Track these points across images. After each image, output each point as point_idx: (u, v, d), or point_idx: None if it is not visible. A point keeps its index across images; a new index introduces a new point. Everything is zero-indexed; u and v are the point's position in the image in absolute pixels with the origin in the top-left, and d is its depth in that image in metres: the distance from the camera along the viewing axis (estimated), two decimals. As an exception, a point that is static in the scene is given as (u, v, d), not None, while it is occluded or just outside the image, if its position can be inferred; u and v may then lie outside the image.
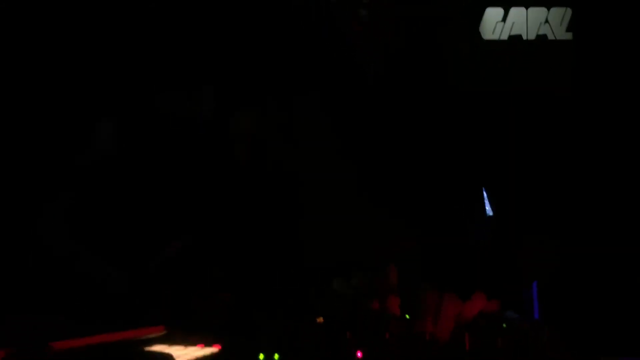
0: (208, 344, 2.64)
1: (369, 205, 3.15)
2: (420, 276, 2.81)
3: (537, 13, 3.43)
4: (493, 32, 3.44)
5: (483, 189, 3.33)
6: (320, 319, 2.61)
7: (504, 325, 2.53)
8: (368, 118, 3.36)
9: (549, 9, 3.42)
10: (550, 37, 3.42)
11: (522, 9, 3.44)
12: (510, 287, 3.06)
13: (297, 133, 3.28)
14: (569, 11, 3.39)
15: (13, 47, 3.23)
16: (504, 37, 3.44)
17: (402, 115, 3.39)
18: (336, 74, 3.38)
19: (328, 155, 3.25)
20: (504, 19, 3.44)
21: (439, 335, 2.51)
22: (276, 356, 2.43)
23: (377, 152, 3.31)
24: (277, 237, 3.11)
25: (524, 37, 3.44)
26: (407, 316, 2.61)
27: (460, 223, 3.28)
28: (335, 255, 2.95)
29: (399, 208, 3.20)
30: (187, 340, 2.64)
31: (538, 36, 3.42)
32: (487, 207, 3.29)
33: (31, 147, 3.22)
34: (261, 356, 2.44)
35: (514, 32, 3.44)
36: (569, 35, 3.38)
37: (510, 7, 3.43)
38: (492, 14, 3.44)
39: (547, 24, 3.42)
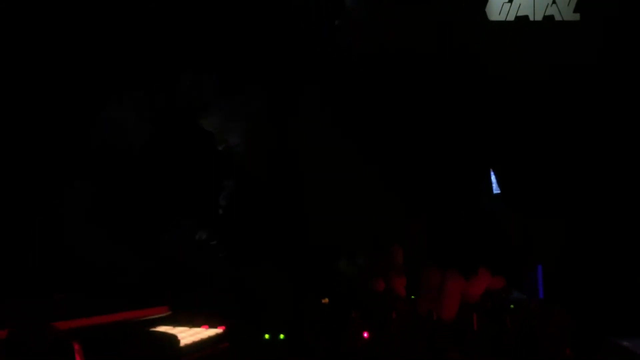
0: (213, 325, 2.62)
1: (375, 188, 3.13)
2: (426, 256, 2.78)
3: (545, -6, 3.38)
4: (499, 13, 3.40)
5: (491, 170, 3.31)
6: (326, 300, 2.60)
7: (512, 305, 2.51)
8: (373, 102, 3.34)
9: (556, -10, 3.36)
10: (558, 18, 3.37)
11: (530, -10, 3.38)
12: (515, 267, 3.03)
13: (304, 118, 3.26)
14: (577, -9, 3.34)
15: (27, 45, 3.22)
16: (511, 18, 3.40)
17: (409, 99, 3.36)
18: (338, 69, 3.36)
19: (336, 140, 3.23)
20: (511, 0, 3.39)
21: (443, 313, 2.49)
22: (281, 336, 2.41)
23: (385, 137, 3.29)
24: (284, 217, 3.09)
25: (531, 18, 3.39)
26: (413, 297, 2.59)
27: (466, 204, 3.26)
28: (341, 236, 2.93)
29: (405, 189, 3.17)
30: (191, 321, 2.63)
31: (545, 17, 3.38)
32: (495, 188, 3.27)
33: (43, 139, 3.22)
34: (266, 336, 2.42)
35: (520, 13, 3.40)
36: (576, 16, 3.34)
37: (517, -12, 3.38)
38: (499, -5, 3.40)
39: (554, 5, 3.37)
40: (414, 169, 3.26)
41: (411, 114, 3.38)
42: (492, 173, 3.32)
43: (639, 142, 3.39)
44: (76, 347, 2.18)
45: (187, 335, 2.58)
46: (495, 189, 3.26)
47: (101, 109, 3.32)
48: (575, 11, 3.36)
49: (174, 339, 2.41)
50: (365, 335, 2.38)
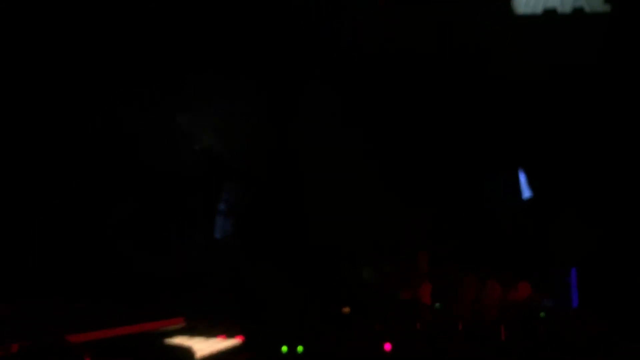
0: (230, 335, 2.56)
1: (398, 193, 3.06)
2: (454, 262, 2.71)
3: (573, -15, 3.29)
4: (526, 5, 3.31)
5: (520, 171, 3.22)
6: (347, 309, 2.52)
7: (542, 314, 2.42)
8: (375, 102, 3.28)
9: (585, -19, 3.28)
10: (587, 9, 3.27)
11: (557, -18, 3.30)
12: (543, 269, 2.94)
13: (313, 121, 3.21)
14: (608, -18, 3.25)
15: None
16: (538, 10, 3.31)
17: (411, 98, 3.29)
18: (338, 69, 3.31)
19: (351, 145, 3.17)
20: (537, -8, 3.31)
21: (479, 320, 2.41)
22: (300, 348, 2.34)
23: (391, 137, 3.23)
24: (301, 224, 3.03)
25: (559, 11, 3.30)
26: (438, 305, 2.51)
27: (492, 207, 3.17)
28: (363, 242, 2.86)
29: (428, 195, 3.10)
30: (209, 331, 2.56)
31: (574, 9, 3.28)
32: (525, 189, 3.18)
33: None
34: (284, 348, 2.35)
35: (548, 6, 3.31)
36: (607, 8, 3.23)
37: (544, -20, 3.29)
38: (526, -13, 3.32)
39: (583, -5, 3.29)
40: (423, 169, 3.19)
41: (414, 114, 3.30)
42: (521, 174, 3.23)
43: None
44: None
45: (204, 346, 2.51)
46: (525, 192, 3.17)
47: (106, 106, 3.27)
48: (605, 2, 3.27)
49: (189, 351, 2.35)
50: (387, 347, 2.29)
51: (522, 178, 3.20)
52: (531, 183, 3.17)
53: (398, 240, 2.73)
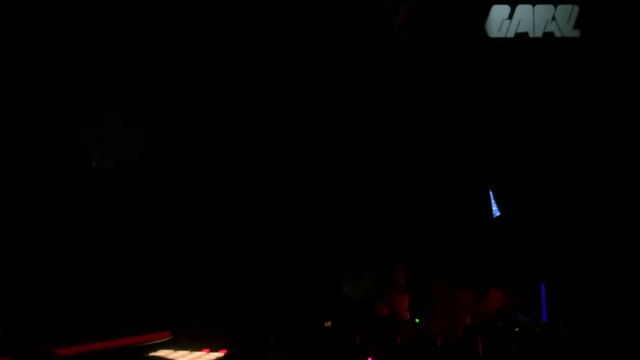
0: (214, 348, 2.60)
1: (383, 200, 3.09)
2: (432, 274, 2.75)
3: (544, 10, 3.38)
4: (499, 30, 3.39)
5: (490, 190, 3.29)
6: (329, 323, 2.57)
7: (517, 329, 2.48)
8: (375, 103, 3.31)
9: (555, 6, 3.38)
10: (557, 34, 3.37)
11: (529, 6, 3.39)
12: (525, 283, 2.99)
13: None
14: (577, 8, 3.34)
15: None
16: (511, 34, 3.39)
17: (410, 101, 3.34)
18: (340, 69, 3.33)
19: (347, 148, 3.19)
20: (511, 17, 3.39)
21: (451, 332, 2.45)
22: (286, 361, 2.39)
23: (395, 147, 3.26)
24: (285, 233, 3.06)
25: (531, 35, 3.39)
26: (417, 320, 2.57)
27: (474, 218, 3.22)
28: (345, 252, 2.90)
29: (412, 203, 3.13)
30: (192, 345, 2.60)
31: (545, 34, 3.38)
32: (495, 208, 3.25)
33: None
34: (270, 361, 2.40)
35: (520, 30, 3.39)
36: (576, 33, 3.33)
37: (516, 5, 3.38)
38: (499, 12, 3.40)
39: (554, 21, 3.38)
40: (417, 174, 3.23)
41: (414, 116, 3.35)
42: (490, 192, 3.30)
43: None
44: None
45: (187, 359, 2.55)
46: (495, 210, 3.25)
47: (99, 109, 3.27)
48: (575, 27, 3.37)
49: (171, 364, 2.39)
50: (369, 361, 2.35)
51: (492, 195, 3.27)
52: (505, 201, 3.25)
53: (378, 256, 2.78)
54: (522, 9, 3.38)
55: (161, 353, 2.53)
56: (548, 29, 3.37)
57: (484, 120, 3.31)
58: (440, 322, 2.51)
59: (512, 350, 2.38)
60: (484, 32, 3.39)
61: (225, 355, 2.56)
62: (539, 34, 3.37)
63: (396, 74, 3.28)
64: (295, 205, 3.09)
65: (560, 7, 3.36)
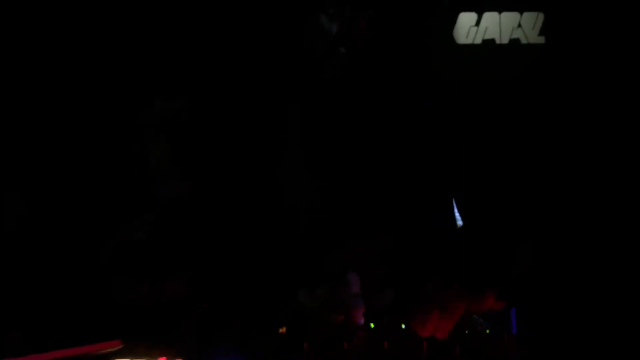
0: (171, 357, 2.61)
1: (336, 207, 3.10)
2: (384, 281, 2.76)
3: (510, 18, 3.42)
4: (467, 37, 3.42)
5: (452, 198, 3.30)
6: (283, 329, 2.59)
7: (487, 331, 2.48)
8: (345, 121, 3.33)
9: (521, 14, 3.41)
10: (523, 41, 3.40)
11: (496, 14, 3.42)
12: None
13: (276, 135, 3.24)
14: (542, 16, 3.38)
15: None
16: (478, 41, 3.42)
17: (381, 117, 3.35)
18: (312, 80, 3.35)
19: (305, 156, 3.21)
20: (478, 24, 3.42)
21: (440, 334, 2.43)
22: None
23: (351, 154, 3.27)
24: (242, 242, 3.07)
25: (497, 41, 3.42)
26: (372, 325, 2.58)
27: (434, 224, 3.23)
28: (301, 260, 2.91)
29: (370, 212, 3.15)
30: (148, 353, 2.61)
31: (511, 40, 3.41)
32: (457, 216, 3.26)
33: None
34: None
35: (487, 37, 3.42)
36: (541, 40, 3.36)
37: (483, 12, 3.41)
38: (466, 19, 3.43)
39: (520, 29, 3.40)
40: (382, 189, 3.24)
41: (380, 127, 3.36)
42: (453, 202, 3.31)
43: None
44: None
45: (141, 369, 2.56)
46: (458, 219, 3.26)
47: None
48: (540, 34, 3.40)
49: (125, 374, 2.40)
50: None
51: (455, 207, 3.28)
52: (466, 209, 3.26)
53: (334, 264, 2.79)
54: (489, 16, 3.40)
55: (117, 363, 2.54)
56: (514, 36, 3.39)
57: (446, 130, 3.33)
58: (430, 327, 2.49)
59: (455, 353, 2.39)
60: (451, 39, 3.41)
61: (182, 363, 2.57)
62: (505, 40, 3.39)
63: (355, 83, 3.31)
64: (253, 214, 3.10)
65: (526, 14, 3.39)
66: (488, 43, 3.38)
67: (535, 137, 3.30)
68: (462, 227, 3.27)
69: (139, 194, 3.21)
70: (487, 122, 3.38)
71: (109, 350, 2.58)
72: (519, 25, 3.37)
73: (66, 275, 3.01)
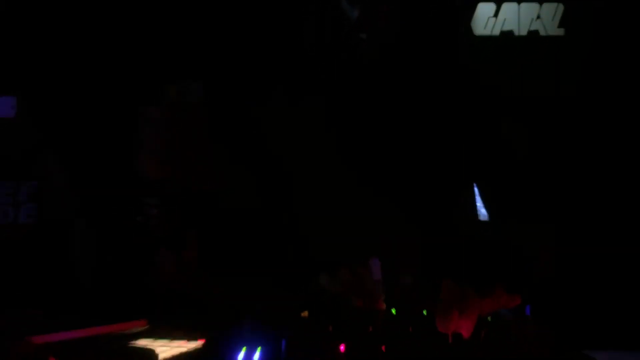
0: (193, 338, 2.62)
1: (364, 202, 3.11)
2: (418, 271, 2.77)
3: (530, 8, 3.39)
4: (485, 28, 3.40)
5: (474, 186, 3.30)
6: (305, 313, 2.60)
7: (489, 318, 2.50)
8: (369, 117, 3.33)
9: (541, 5, 3.38)
10: (542, 33, 3.38)
11: (514, 5, 3.39)
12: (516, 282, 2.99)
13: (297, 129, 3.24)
14: (561, 7, 3.35)
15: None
16: (496, 32, 3.40)
17: (400, 114, 3.35)
18: (335, 74, 3.35)
19: (329, 152, 3.21)
20: (496, 15, 3.40)
21: (464, 332, 2.45)
22: (259, 349, 2.41)
23: (376, 150, 3.28)
24: (265, 232, 3.08)
25: (516, 33, 3.40)
26: (393, 311, 2.60)
27: (457, 218, 3.23)
28: (328, 251, 2.92)
29: (396, 204, 3.15)
30: (171, 334, 2.62)
31: (530, 32, 3.38)
32: (480, 205, 3.26)
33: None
34: (244, 349, 2.42)
35: (505, 28, 3.40)
36: (560, 31, 3.34)
37: (502, 3, 3.39)
38: (484, 10, 3.41)
39: (539, 20, 3.38)
40: (407, 183, 3.25)
41: (398, 123, 3.37)
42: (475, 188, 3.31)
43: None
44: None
45: (167, 349, 2.58)
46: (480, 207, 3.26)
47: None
48: (559, 26, 3.38)
49: (151, 353, 2.41)
50: (342, 348, 2.38)
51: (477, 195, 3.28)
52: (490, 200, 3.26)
53: (357, 252, 2.81)
54: (508, 7, 3.39)
55: (140, 342, 2.55)
56: (533, 27, 3.37)
57: (465, 122, 3.32)
58: (452, 327, 2.50)
59: (480, 338, 2.40)
60: (469, 30, 3.40)
61: (204, 344, 2.59)
62: (524, 32, 3.38)
63: (373, 77, 3.31)
64: (273, 206, 3.12)
65: (546, 5, 3.36)
66: (506, 34, 3.36)
67: (558, 134, 3.28)
68: (484, 221, 3.27)
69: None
70: (507, 116, 3.36)
71: (136, 330, 2.60)
72: (538, 17, 3.36)
73: (92, 255, 3.03)
